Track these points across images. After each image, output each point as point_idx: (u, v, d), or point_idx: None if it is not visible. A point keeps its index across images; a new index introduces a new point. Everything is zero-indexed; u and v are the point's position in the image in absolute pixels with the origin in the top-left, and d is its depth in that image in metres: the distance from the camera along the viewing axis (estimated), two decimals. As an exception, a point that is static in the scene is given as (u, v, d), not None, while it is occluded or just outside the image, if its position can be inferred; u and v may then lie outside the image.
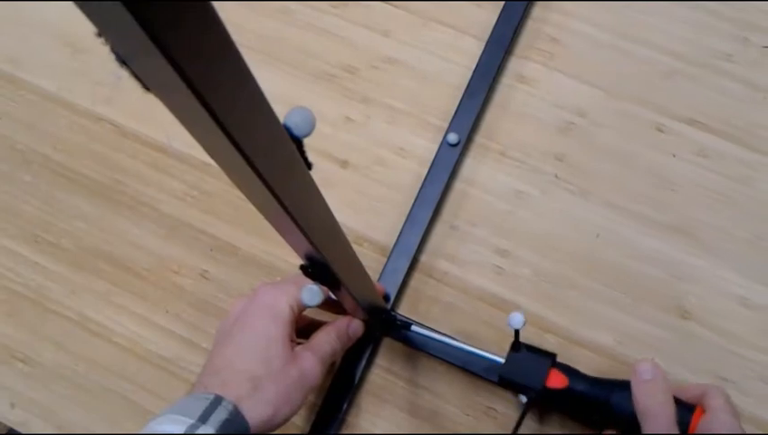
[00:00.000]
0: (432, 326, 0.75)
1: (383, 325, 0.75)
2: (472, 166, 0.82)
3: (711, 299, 0.75)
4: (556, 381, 0.66)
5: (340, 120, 0.85)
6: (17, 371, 0.79)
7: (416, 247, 0.78)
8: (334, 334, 0.67)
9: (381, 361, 0.77)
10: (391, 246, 0.78)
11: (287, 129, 0.33)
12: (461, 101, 0.82)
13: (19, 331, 0.80)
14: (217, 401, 0.55)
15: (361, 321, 0.69)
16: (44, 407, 0.78)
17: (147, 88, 0.27)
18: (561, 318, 0.75)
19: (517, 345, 0.68)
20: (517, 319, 0.64)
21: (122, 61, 0.26)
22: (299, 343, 0.65)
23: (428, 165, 0.81)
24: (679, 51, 0.84)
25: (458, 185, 0.81)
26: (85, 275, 0.81)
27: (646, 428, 0.58)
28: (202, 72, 0.24)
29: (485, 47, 0.84)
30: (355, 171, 0.83)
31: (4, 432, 0.79)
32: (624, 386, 0.64)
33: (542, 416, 0.73)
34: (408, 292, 0.78)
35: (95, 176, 0.85)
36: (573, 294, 0.76)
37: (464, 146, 0.81)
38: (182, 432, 0.52)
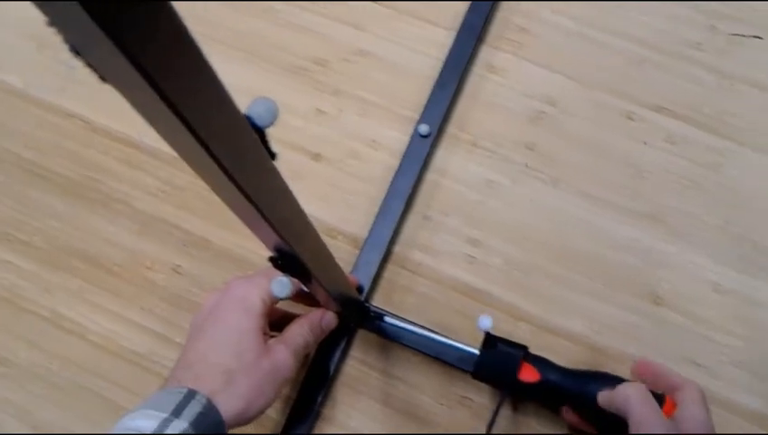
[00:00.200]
0: (406, 317, 0.75)
1: (357, 317, 0.75)
2: (443, 156, 0.82)
3: (684, 285, 0.76)
4: (528, 374, 0.66)
5: (312, 112, 0.85)
6: (-9, 370, 0.79)
7: (389, 239, 0.78)
8: (307, 327, 0.67)
9: (356, 352, 0.77)
10: (364, 238, 0.78)
11: (249, 119, 0.33)
12: (432, 92, 0.82)
13: (-8, 330, 0.80)
14: (191, 394, 0.55)
15: (335, 313, 0.69)
16: (19, 407, 0.77)
17: (103, 79, 0.27)
18: (534, 307, 0.76)
19: (489, 340, 0.68)
20: (486, 322, 0.65)
21: (76, 51, 0.25)
22: (272, 336, 0.65)
23: (400, 157, 0.81)
24: (648, 40, 0.85)
25: (430, 176, 0.81)
26: (58, 273, 0.81)
27: (632, 418, 0.59)
28: (156, 62, 0.23)
29: (456, 38, 0.84)
30: (327, 164, 0.83)
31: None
32: (596, 378, 0.64)
33: (516, 406, 0.73)
34: (382, 283, 0.78)
35: (67, 173, 0.84)
36: (546, 282, 0.77)
37: (435, 137, 0.81)
38: (155, 427, 0.51)
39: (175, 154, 0.34)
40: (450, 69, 0.83)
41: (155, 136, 0.32)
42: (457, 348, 0.71)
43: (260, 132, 0.34)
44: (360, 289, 0.76)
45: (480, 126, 0.83)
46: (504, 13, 0.87)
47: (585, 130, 0.82)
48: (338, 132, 0.84)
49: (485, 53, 0.85)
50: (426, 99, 0.82)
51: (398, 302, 0.77)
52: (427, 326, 0.73)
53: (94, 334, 0.79)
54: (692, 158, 0.80)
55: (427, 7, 0.88)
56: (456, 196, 0.80)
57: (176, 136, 0.29)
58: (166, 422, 0.52)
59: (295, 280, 0.55)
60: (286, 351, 0.63)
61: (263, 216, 0.37)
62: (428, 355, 0.74)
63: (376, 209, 0.79)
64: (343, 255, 0.79)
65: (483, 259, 0.78)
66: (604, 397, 0.62)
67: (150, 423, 0.52)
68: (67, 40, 0.25)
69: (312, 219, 0.78)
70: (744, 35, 0.84)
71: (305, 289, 0.63)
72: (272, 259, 0.49)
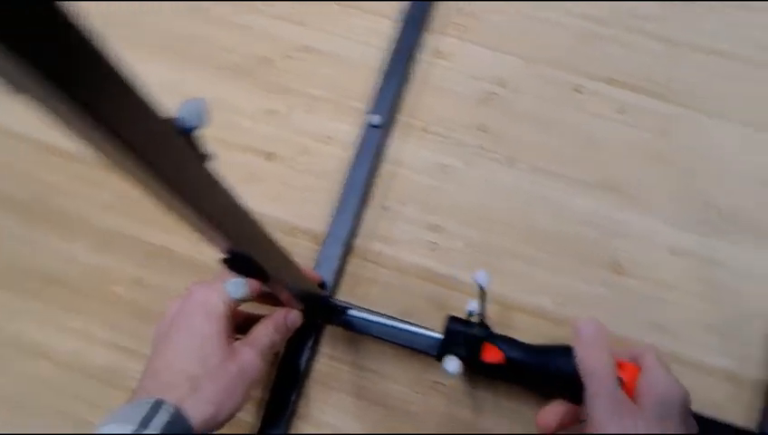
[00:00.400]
0: (373, 307, 0.75)
1: (323, 313, 0.75)
2: (397, 145, 0.82)
3: (643, 252, 0.76)
4: (492, 355, 0.66)
5: (261, 112, 0.84)
6: (-42, 399, 0.78)
7: (348, 232, 0.78)
8: (272, 326, 0.66)
9: (325, 348, 0.76)
10: (325, 233, 0.78)
11: (177, 121, 0.33)
12: (380, 83, 0.82)
13: (-44, 359, 0.79)
14: (158, 404, 0.55)
15: (299, 310, 0.69)
16: (-10, 433, 0.77)
17: (16, 90, 0.27)
18: (499, 286, 0.76)
19: (452, 323, 0.68)
20: (482, 277, 0.65)
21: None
22: (238, 339, 0.65)
23: (354, 149, 0.81)
24: (590, 13, 0.85)
25: (385, 166, 0.81)
26: (19, 296, 0.80)
27: (591, 387, 0.59)
28: (65, 72, 0.23)
29: (400, 26, 0.84)
30: (281, 163, 0.82)
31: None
32: (560, 351, 0.64)
33: (485, 386, 0.73)
34: (346, 277, 0.78)
35: (20, 195, 0.83)
36: (508, 261, 0.77)
37: (387, 126, 0.81)
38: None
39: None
40: (396, 57, 0.83)
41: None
42: (424, 335, 0.70)
43: (188, 134, 0.33)
44: (323, 285, 0.76)
45: (431, 112, 0.83)
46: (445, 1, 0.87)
47: (536, 107, 0.82)
48: (289, 130, 0.83)
49: (431, 39, 0.85)
50: (374, 90, 0.82)
51: (364, 294, 0.77)
52: (394, 316, 0.73)
53: (60, 354, 0.78)
54: (644, 126, 0.80)
55: (366, 3, 0.88)
56: (412, 183, 0.80)
57: (97, 143, 0.28)
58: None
59: (253, 281, 0.54)
60: (252, 352, 0.63)
61: (202, 217, 0.37)
62: (397, 344, 0.74)
63: (334, 204, 0.79)
64: (305, 252, 0.79)
65: (444, 244, 0.78)
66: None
67: (118, 438, 0.51)
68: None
69: (270, 219, 0.79)
70: (683, 0, 0.85)
71: (267, 289, 0.63)
72: (223, 261, 0.49)
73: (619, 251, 0.77)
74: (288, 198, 0.81)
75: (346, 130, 0.82)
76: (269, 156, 0.82)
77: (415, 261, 0.78)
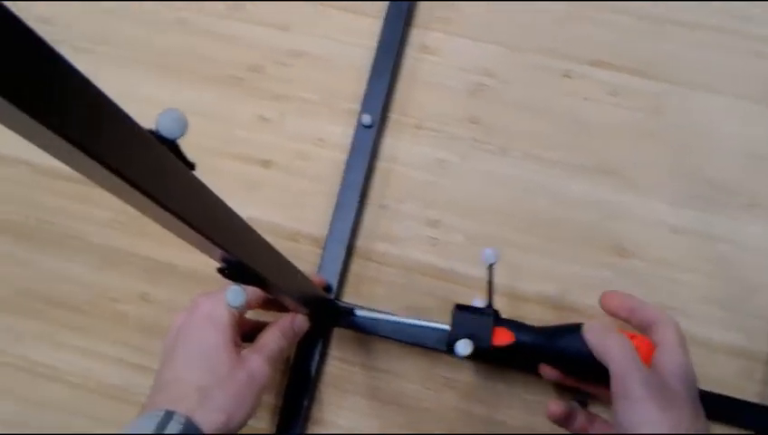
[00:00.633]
0: (379, 307, 0.75)
1: (329, 316, 0.75)
2: (391, 143, 0.82)
3: (644, 232, 0.76)
4: (502, 337, 0.66)
5: (255, 121, 0.84)
6: (-28, 427, 0.78)
7: (349, 234, 0.78)
8: (279, 332, 0.66)
9: (335, 351, 0.77)
10: (325, 236, 0.78)
11: (157, 132, 0.33)
12: (369, 81, 0.82)
13: (-34, 387, 0.79)
14: (168, 415, 0.55)
15: (305, 315, 0.69)
16: (6, 459, 0.77)
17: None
18: (503, 277, 0.76)
19: (459, 311, 0.68)
20: (490, 255, 0.65)
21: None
22: (246, 348, 0.65)
23: (348, 150, 0.81)
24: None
25: (381, 164, 0.81)
26: (25, 320, 0.80)
27: (613, 368, 0.58)
28: (31, 96, 0.23)
29: (384, 24, 0.84)
30: (278, 169, 0.82)
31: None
32: (568, 329, 0.64)
33: (497, 378, 0.73)
34: (350, 278, 0.78)
35: (19, 219, 0.84)
36: (510, 251, 0.77)
37: (379, 125, 0.81)
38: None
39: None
40: (383, 56, 0.83)
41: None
42: (432, 329, 0.70)
43: (170, 144, 0.33)
44: (328, 288, 0.76)
45: (422, 108, 0.83)
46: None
47: (526, 95, 0.82)
48: (283, 136, 0.83)
49: (416, 35, 0.85)
50: (364, 89, 0.82)
51: (368, 294, 0.77)
52: (400, 313, 0.73)
53: (70, 375, 0.78)
54: (634, 106, 0.80)
55: (350, 2, 0.88)
56: (408, 180, 0.80)
57: (76, 162, 0.28)
58: (146, 447, 0.52)
59: (254, 288, 0.54)
60: (260, 358, 0.63)
61: (192, 227, 0.37)
62: (406, 342, 0.74)
63: (333, 206, 0.79)
64: (308, 256, 0.79)
65: (444, 239, 0.78)
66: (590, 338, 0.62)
67: (130, 450, 0.52)
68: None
69: (271, 225, 0.80)
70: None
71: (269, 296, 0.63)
72: (220, 270, 0.49)
73: (621, 233, 0.76)
74: (287, 203, 0.81)
75: (339, 132, 0.82)
76: (265, 163, 0.82)
77: (417, 257, 0.78)
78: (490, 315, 0.67)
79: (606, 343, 0.60)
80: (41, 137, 0.26)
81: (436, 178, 0.80)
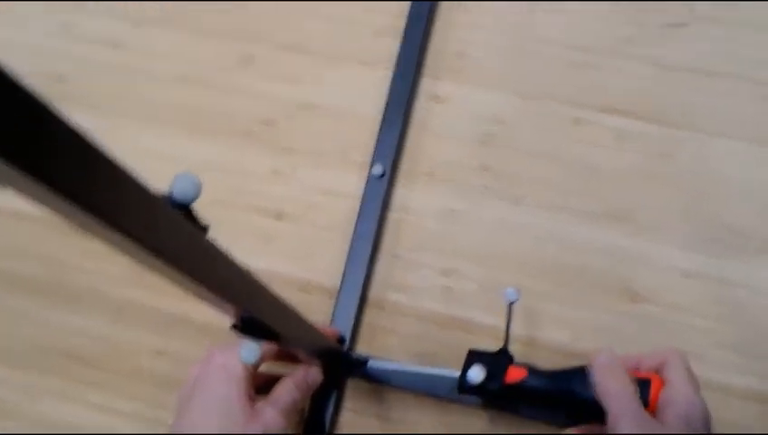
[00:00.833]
0: (393, 357, 0.75)
1: (343, 367, 0.75)
2: (403, 193, 0.82)
3: (656, 277, 0.76)
4: (515, 375, 0.66)
5: (268, 173, 0.85)
6: (-11, 485, 0.78)
7: (362, 284, 0.78)
8: (293, 385, 0.67)
9: (349, 403, 0.76)
10: (338, 287, 0.78)
11: (171, 197, 0.34)
12: (379, 132, 0.83)
13: (-19, 446, 0.79)
14: (183, 471, 0.55)
15: (319, 367, 0.69)
16: None
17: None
18: (516, 324, 0.75)
19: (472, 354, 0.68)
20: (510, 292, 0.65)
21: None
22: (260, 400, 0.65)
23: (360, 201, 0.81)
24: (581, 43, 0.86)
25: (393, 214, 0.82)
26: (41, 376, 0.81)
27: (612, 409, 0.58)
28: (46, 165, 0.24)
29: (394, 75, 0.85)
30: (291, 221, 0.83)
31: None
32: (580, 370, 0.64)
33: (511, 425, 0.73)
34: (364, 328, 0.78)
35: (32, 274, 0.84)
36: (523, 298, 0.76)
37: (391, 175, 0.82)
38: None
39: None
40: (394, 106, 0.84)
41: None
42: (446, 377, 0.70)
43: (184, 208, 0.34)
44: (341, 339, 0.76)
45: (433, 157, 0.83)
46: (437, 42, 0.88)
47: (536, 142, 0.83)
48: (296, 188, 0.84)
49: (426, 85, 0.86)
50: (375, 140, 0.83)
51: (382, 344, 0.78)
52: (414, 363, 0.73)
53: (87, 430, 0.78)
54: (644, 151, 0.81)
55: (358, 50, 0.89)
56: (421, 229, 0.81)
57: (90, 229, 0.29)
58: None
59: (266, 343, 0.55)
60: (274, 411, 0.63)
61: (206, 288, 0.37)
62: (420, 392, 0.74)
63: (345, 257, 0.79)
64: (321, 307, 0.79)
65: (458, 287, 0.78)
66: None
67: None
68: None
69: (284, 277, 0.80)
70: (671, 24, 0.85)
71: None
72: (233, 326, 0.49)
73: (633, 278, 0.76)
74: (300, 254, 0.81)
75: (351, 183, 0.83)
76: (278, 215, 0.83)
77: (431, 307, 0.78)
78: (505, 354, 0.67)
79: (607, 383, 0.59)
80: (54, 204, 0.26)
81: (449, 226, 0.80)
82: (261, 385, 0.68)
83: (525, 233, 0.79)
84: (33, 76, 0.88)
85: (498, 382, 0.65)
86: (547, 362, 0.73)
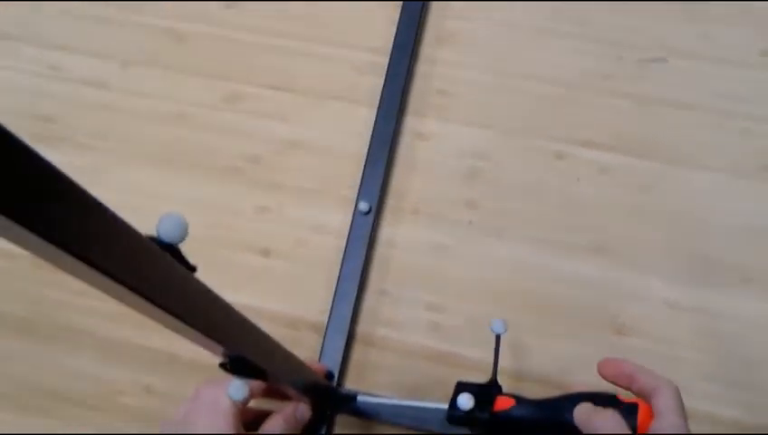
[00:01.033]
0: (382, 392, 0.75)
1: (332, 402, 0.75)
2: (389, 229, 0.83)
3: (641, 309, 0.77)
4: (503, 404, 0.66)
5: (255, 210, 0.86)
6: None
7: (349, 320, 0.78)
8: (282, 421, 0.67)
9: (338, 438, 0.77)
10: (326, 323, 0.79)
11: (158, 238, 0.34)
12: (365, 168, 0.84)
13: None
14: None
15: (308, 403, 0.70)
16: None
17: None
18: (504, 357, 0.76)
19: (460, 385, 0.68)
20: (498, 324, 0.66)
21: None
22: (248, 438, 0.65)
23: (347, 237, 0.82)
24: (561, 78, 0.87)
25: (379, 250, 0.82)
26: (29, 416, 0.80)
27: None
28: (23, 206, 0.24)
29: (378, 112, 0.86)
30: (278, 258, 0.84)
31: None
32: (570, 400, 0.64)
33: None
34: (352, 364, 0.79)
35: (21, 313, 0.84)
36: (510, 331, 0.77)
37: (376, 211, 0.83)
38: None
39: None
40: (378, 143, 0.85)
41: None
42: (435, 410, 0.70)
43: (171, 249, 0.34)
44: (329, 375, 0.76)
45: (418, 193, 0.84)
46: (420, 79, 0.89)
47: (519, 177, 0.84)
48: (282, 225, 0.85)
49: (410, 122, 0.87)
50: (360, 176, 0.84)
51: (371, 380, 0.78)
52: (402, 397, 0.74)
53: (74, 471, 0.78)
54: (626, 184, 0.82)
55: (343, 87, 0.90)
56: (407, 265, 0.81)
57: (76, 271, 0.30)
58: None
59: (254, 381, 0.55)
60: None
61: (193, 328, 0.38)
62: (409, 426, 0.74)
63: (333, 293, 0.80)
64: (309, 343, 0.79)
65: (445, 322, 0.79)
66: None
67: None
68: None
69: (271, 313, 0.80)
70: (649, 60, 0.87)
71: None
72: (221, 365, 0.49)
73: (619, 311, 0.77)
74: (287, 290, 0.82)
75: (338, 219, 0.84)
76: (265, 252, 0.84)
77: (418, 342, 0.78)
78: (494, 384, 0.67)
79: (593, 420, 0.60)
80: (40, 250, 0.27)
81: (435, 261, 0.81)
82: (250, 421, 0.68)
83: (511, 267, 0.80)
84: (22, 116, 0.89)
85: (487, 411, 0.66)
86: (534, 394, 0.74)
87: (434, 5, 0.92)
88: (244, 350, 0.46)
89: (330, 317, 0.79)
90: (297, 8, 0.94)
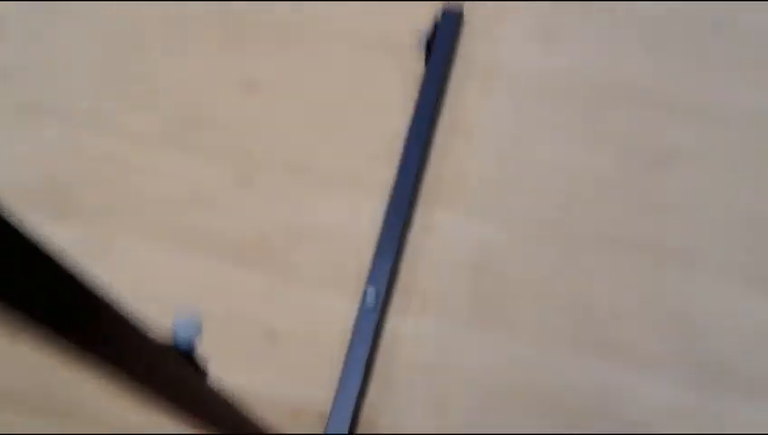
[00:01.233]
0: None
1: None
2: (395, 318, 0.84)
3: (648, 413, 0.77)
4: None
5: (262, 292, 0.86)
6: None
7: (353, 408, 0.78)
8: None
9: None
10: (329, 412, 0.79)
11: (176, 342, 0.35)
12: (374, 257, 0.85)
13: None
14: None
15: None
16: None
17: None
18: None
19: None
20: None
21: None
22: None
23: (353, 325, 0.82)
24: (571, 175, 0.88)
25: (385, 339, 0.83)
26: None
27: None
28: (56, 318, 0.25)
29: (389, 200, 0.87)
30: (284, 343, 0.84)
31: None
32: None
33: None
34: (355, 454, 0.79)
35: (21, 387, 0.84)
36: (508, 428, 0.77)
37: (383, 301, 0.83)
38: None
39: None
40: (388, 232, 0.85)
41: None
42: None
43: (187, 354, 0.35)
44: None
45: (425, 284, 0.85)
46: (432, 170, 0.90)
47: (525, 272, 0.84)
48: (291, 310, 0.85)
49: (420, 212, 0.88)
50: (369, 266, 0.85)
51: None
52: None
53: None
54: (634, 286, 0.82)
55: (356, 174, 0.91)
56: (412, 356, 0.82)
57: (94, 373, 0.30)
58: None
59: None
60: None
61: (202, 423, 0.38)
62: None
63: (337, 381, 0.80)
64: (313, 429, 0.79)
65: (449, 416, 0.79)
66: None
67: None
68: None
69: (275, 398, 0.80)
70: (654, 162, 0.88)
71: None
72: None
73: (625, 412, 0.77)
74: (292, 375, 0.82)
75: (345, 307, 0.84)
76: (271, 334, 0.84)
77: (422, 430, 0.78)
78: None
79: None
80: (67, 354, 0.27)
81: (439, 353, 0.81)
82: None
83: (516, 364, 0.80)
84: (38, 190, 0.90)
85: None
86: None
87: (448, 99, 0.94)
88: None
89: (333, 404, 0.79)
90: (316, 95, 0.95)
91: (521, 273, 0.84)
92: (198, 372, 0.36)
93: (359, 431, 0.79)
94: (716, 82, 0.90)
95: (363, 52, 0.96)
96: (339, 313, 0.84)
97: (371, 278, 0.84)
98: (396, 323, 0.83)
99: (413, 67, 0.94)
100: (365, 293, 0.83)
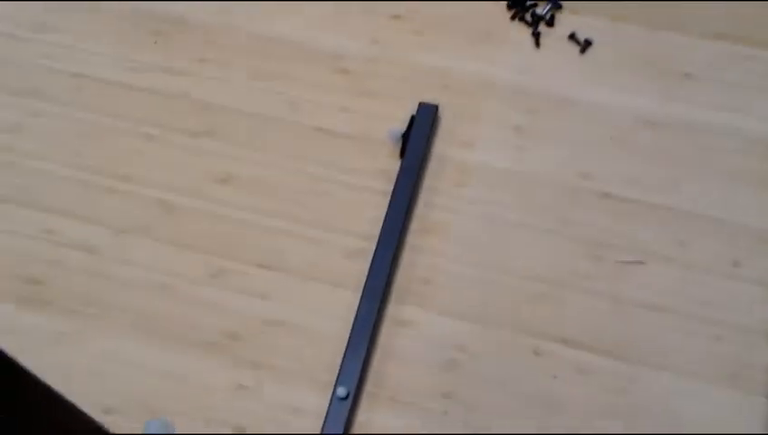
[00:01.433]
0: None
1: None
2: (365, 415, 0.84)
3: None
4: None
5: (232, 388, 0.86)
6: None
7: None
8: None
9: None
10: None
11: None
12: (345, 353, 0.85)
13: None
14: None
15: None
16: None
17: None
18: None
19: None
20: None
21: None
22: None
23: (323, 421, 0.82)
24: (542, 275, 0.90)
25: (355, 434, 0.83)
26: None
27: None
28: None
29: (361, 297, 0.88)
30: (251, 437, 0.83)
31: None
32: None
33: None
34: None
35: None
36: None
37: (354, 397, 0.83)
38: None
39: None
40: (359, 328, 0.86)
41: None
42: None
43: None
44: None
45: (396, 380, 0.85)
46: (404, 267, 0.91)
47: (497, 371, 0.85)
48: (260, 405, 0.85)
49: (392, 309, 0.89)
50: (340, 360, 0.85)
51: None
52: None
53: None
54: (601, 385, 0.83)
55: (328, 270, 0.92)
56: (382, 454, 0.82)
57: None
58: None
59: None
60: None
61: None
62: None
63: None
64: None
65: None
66: None
67: None
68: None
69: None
70: (627, 262, 0.90)
71: None
72: None
73: None
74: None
75: (315, 403, 0.84)
76: (240, 431, 0.83)
77: None
78: None
79: None
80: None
81: (409, 452, 0.81)
82: None
83: (485, 462, 0.80)
84: (11, 278, 0.90)
85: None
86: None
87: (421, 197, 0.95)
88: None
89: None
90: (289, 191, 0.97)
91: (491, 373, 0.85)
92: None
93: None
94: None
95: (337, 146, 0.98)
96: (309, 409, 0.84)
97: (342, 374, 0.84)
98: (365, 419, 0.83)
99: (387, 163, 0.96)
100: (335, 388, 0.83)
